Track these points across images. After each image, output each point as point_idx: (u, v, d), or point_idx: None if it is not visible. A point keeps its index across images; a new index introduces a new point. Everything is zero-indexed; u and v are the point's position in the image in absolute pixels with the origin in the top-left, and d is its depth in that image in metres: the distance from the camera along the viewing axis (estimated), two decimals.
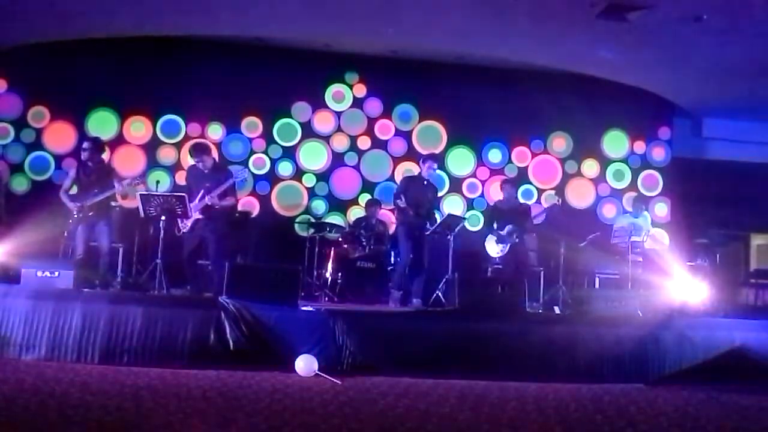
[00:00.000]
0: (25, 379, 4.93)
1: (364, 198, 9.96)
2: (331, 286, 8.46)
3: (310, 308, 6.56)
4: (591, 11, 7.69)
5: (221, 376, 5.44)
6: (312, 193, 10.17)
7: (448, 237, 8.19)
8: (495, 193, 10.45)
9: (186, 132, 9.94)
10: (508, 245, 8.16)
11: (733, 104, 10.52)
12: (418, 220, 7.75)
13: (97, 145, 7.53)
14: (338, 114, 10.33)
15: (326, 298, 8.18)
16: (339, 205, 10.16)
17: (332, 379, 5.47)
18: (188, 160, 7.97)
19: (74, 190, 7.49)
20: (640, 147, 10.91)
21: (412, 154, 10.35)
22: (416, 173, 8.34)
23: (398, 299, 7.63)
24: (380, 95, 10.39)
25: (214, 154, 8.57)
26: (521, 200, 8.82)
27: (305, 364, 5.63)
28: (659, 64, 9.27)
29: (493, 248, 8.28)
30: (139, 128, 9.89)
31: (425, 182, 7.97)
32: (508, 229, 8.18)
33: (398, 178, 10.29)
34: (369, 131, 10.36)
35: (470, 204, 10.47)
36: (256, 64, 9.93)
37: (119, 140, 9.80)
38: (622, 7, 7.53)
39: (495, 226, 8.39)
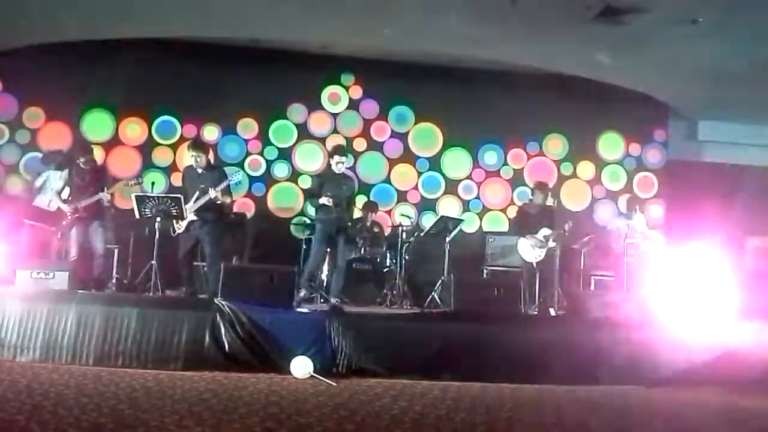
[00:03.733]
0: (20, 380, 4.91)
1: (360, 200, 9.95)
2: (327, 288, 8.44)
3: (305, 310, 6.55)
4: (587, 14, 7.70)
5: (216, 378, 5.44)
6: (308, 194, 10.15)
7: (446, 239, 8.20)
8: (491, 195, 10.50)
9: (181, 133, 9.91)
10: (545, 250, 8.03)
11: (728, 107, 10.55)
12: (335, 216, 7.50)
13: (90, 149, 7.60)
14: (334, 115, 10.32)
15: (322, 300, 8.17)
16: None
17: (328, 381, 5.47)
18: (185, 159, 7.94)
19: (66, 191, 7.49)
20: (635, 149, 10.93)
21: (408, 156, 10.38)
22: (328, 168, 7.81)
23: (302, 299, 7.31)
24: (376, 97, 10.38)
25: (210, 155, 8.54)
26: (548, 203, 8.50)
27: (301, 366, 5.62)
28: (655, 66, 9.29)
29: (530, 253, 8.07)
30: (134, 129, 9.87)
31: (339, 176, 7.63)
32: (544, 233, 8.04)
33: (394, 179, 10.32)
34: (365, 133, 10.35)
35: (466, 206, 10.47)
36: (251, 65, 9.91)
37: (115, 141, 9.78)
38: (617, 9, 7.55)
39: (518, 229, 8.30)
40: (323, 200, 7.33)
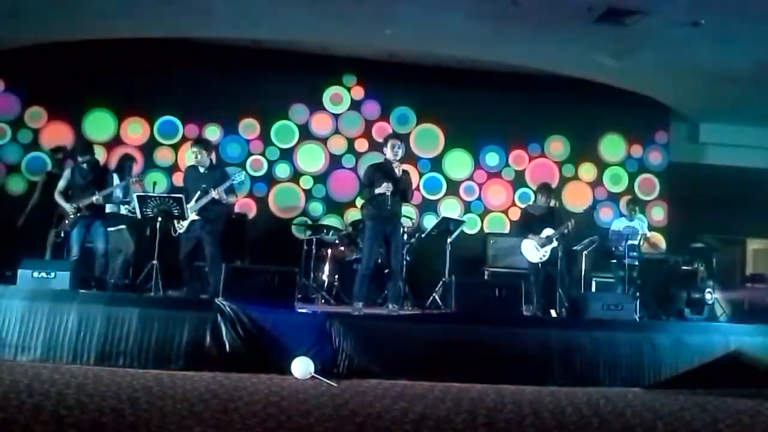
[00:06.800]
0: (21, 380, 4.91)
1: (360, 201, 9.94)
2: (328, 289, 8.45)
3: (306, 310, 6.55)
4: (589, 16, 7.71)
5: (217, 378, 5.43)
6: (309, 195, 10.18)
7: (447, 240, 8.19)
8: (492, 196, 10.50)
9: (183, 133, 9.93)
10: (550, 249, 7.96)
11: (730, 109, 10.57)
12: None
13: (90, 148, 7.60)
14: (336, 116, 10.34)
15: (323, 301, 8.17)
16: (336, 208, 10.17)
17: (328, 381, 5.46)
18: (187, 159, 7.94)
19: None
20: (637, 151, 10.95)
21: (409, 157, 10.34)
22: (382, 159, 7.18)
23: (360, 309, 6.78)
24: (378, 98, 10.40)
25: (213, 155, 8.56)
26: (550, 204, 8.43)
27: (301, 367, 5.61)
28: (657, 68, 9.30)
29: (534, 254, 7.97)
30: (136, 129, 9.89)
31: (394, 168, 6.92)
32: (546, 233, 7.95)
33: None
34: (366, 134, 10.37)
35: (467, 207, 10.48)
36: (253, 65, 9.95)
37: (116, 141, 9.81)
38: (620, 12, 7.56)
39: (522, 230, 8.24)
40: (380, 189, 6.68)
